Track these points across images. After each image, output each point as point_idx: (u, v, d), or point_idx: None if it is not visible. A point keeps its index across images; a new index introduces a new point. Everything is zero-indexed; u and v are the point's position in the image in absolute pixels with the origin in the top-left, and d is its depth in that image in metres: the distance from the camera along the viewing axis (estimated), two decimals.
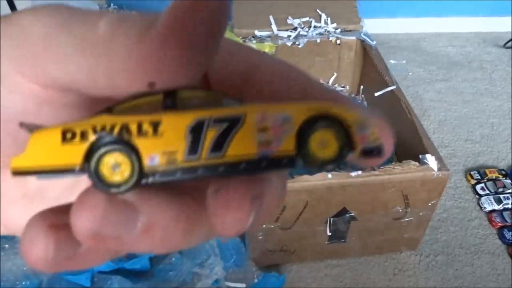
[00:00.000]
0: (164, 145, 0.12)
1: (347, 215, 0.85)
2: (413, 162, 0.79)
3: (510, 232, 1.02)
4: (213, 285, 0.85)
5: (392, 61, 1.59)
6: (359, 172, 0.78)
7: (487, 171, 1.17)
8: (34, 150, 0.13)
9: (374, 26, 1.62)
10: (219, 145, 0.12)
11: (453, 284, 0.94)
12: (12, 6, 1.55)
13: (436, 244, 1.01)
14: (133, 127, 0.12)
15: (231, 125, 0.12)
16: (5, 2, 1.53)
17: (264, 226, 0.83)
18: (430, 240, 1.01)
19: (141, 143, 0.12)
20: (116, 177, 0.12)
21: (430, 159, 0.79)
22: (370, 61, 1.15)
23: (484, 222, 1.06)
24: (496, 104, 1.45)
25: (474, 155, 1.25)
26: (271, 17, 1.22)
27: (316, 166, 0.13)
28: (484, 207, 1.08)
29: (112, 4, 1.61)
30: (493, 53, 1.73)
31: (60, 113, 0.14)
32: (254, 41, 1.17)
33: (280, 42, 1.18)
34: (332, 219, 0.85)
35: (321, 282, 0.93)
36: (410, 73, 1.60)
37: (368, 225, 0.88)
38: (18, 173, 0.13)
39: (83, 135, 0.12)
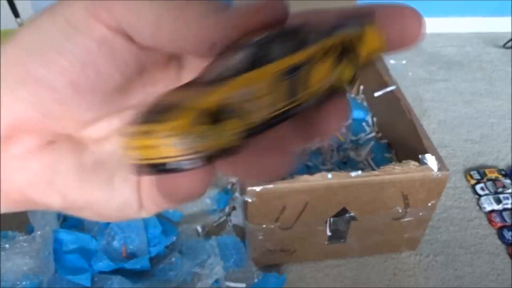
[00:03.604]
0: (264, 101, 0.15)
1: (347, 215, 0.85)
2: (413, 162, 0.79)
3: (510, 232, 1.02)
4: (213, 285, 0.85)
5: (392, 61, 1.59)
6: (359, 172, 0.78)
7: (486, 171, 1.17)
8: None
9: None
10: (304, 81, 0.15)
11: (453, 284, 0.94)
12: (12, 6, 1.55)
13: (436, 244, 1.01)
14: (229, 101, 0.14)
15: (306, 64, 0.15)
16: (5, 2, 1.53)
17: (264, 226, 0.83)
18: (430, 240, 1.01)
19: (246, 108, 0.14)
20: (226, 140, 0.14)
21: (430, 159, 0.79)
22: None
23: (484, 222, 1.06)
24: (496, 104, 1.45)
25: (474, 155, 1.25)
26: None
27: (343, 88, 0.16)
28: (484, 207, 1.08)
29: None
30: (493, 53, 1.73)
31: (114, 62, 0.15)
32: None
33: None
34: (332, 219, 0.85)
35: (321, 282, 0.93)
36: (410, 73, 1.60)
37: (368, 225, 0.88)
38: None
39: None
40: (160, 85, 0.18)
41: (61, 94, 0.15)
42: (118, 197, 0.18)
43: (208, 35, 0.14)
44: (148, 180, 0.18)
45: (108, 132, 0.17)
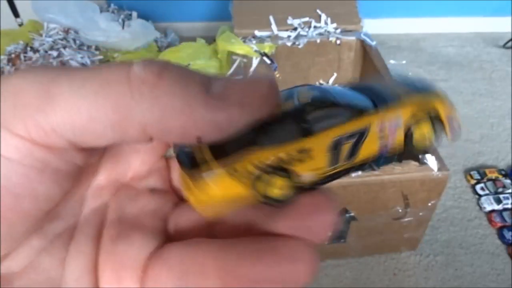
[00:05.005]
0: (313, 164, 0.15)
1: (347, 215, 0.85)
2: (413, 162, 0.79)
3: (510, 232, 1.02)
4: None
5: (392, 61, 1.59)
6: (359, 172, 0.78)
7: (487, 171, 1.17)
8: (209, 188, 0.15)
9: (374, 26, 1.62)
10: (352, 153, 0.16)
11: (453, 284, 0.94)
12: (12, 6, 1.55)
13: (436, 244, 1.01)
14: (285, 157, 0.15)
15: (360, 137, 0.15)
16: (5, 2, 1.53)
17: None
18: (430, 240, 1.01)
19: (296, 167, 0.15)
20: (278, 193, 0.15)
21: (430, 159, 0.79)
22: (370, 61, 1.15)
23: (484, 222, 1.06)
24: (496, 104, 1.45)
25: (474, 155, 1.25)
26: (271, 17, 1.22)
27: (418, 154, 0.16)
28: (484, 207, 1.08)
29: (112, 4, 1.61)
30: (493, 53, 1.73)
31: (51, 179, 0.14)
32: (254, 41, 1.17)
33: (280, 42, 1.18)
34: None
35: (321, 282, 0.93)
36: (410, 73, 1.60)
37: (368, 225, 0.88)
38: (202, 207, 0.15)
39: (250, 173, 0.15)
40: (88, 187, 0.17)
41: None
42: None
43: (193, 129, 0.13)
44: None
45: (31, 258, 0.15)
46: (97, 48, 1.40)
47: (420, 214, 0.87)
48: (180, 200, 0.18)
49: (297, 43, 1.19)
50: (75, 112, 0.13)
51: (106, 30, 1.39)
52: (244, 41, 1.17)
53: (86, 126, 0.13)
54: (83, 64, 1.31)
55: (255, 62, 1.15)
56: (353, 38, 1.21)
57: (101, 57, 1.37)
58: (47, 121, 0.13)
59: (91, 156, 0.15)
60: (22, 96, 0.13)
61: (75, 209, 0.16)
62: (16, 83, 0.13)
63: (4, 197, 0.13)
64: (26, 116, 0.12)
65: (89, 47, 1.39)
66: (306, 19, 1.24)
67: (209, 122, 0.13)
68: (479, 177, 1.16)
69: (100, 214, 0.16)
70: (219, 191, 0.15)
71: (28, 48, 1.33)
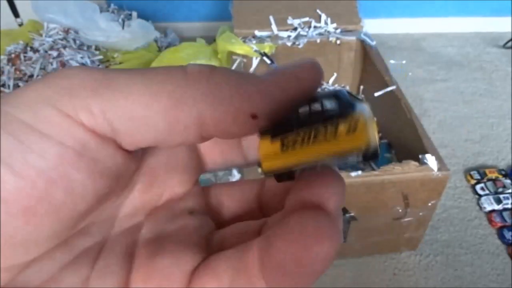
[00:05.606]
0: None
1: (347, 215, 0.85)
2: (413, 162, 0.79)
3: (510, 232, 1.02)
4: None
5: (392, 61, 1.59)
6: (359, 172, 0.78)
7: (487, 171, 1.17)
8: (280, 155, 0.14)
9: (374, 26, 1.62)
10: None
11: (453, 284, 0.94)
12: (12, 6, 1.55)
13: (436, 244, 1.01)
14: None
15: None
16: (5, 2, 1.53)
17: None
18: (430, 240, 1.01)
19: None
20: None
21: (430, 159, 0.79)
22: (370, 61, 1.15)
23: (484, 222, 1.06)
24: (496, 104, 1.45)
25: (474, 155, 1.25)
26: (271, 17, 1.22)
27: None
28: (484, 207, 1.08)
29: (112, 4, 1.61)
30: (493, 53, 1.73)
31: (94, 176, 0.13)
32: (254, 41, 1.17)
33: (280, 42, 1.18)
34: None
35: (321, 282, 0.93)
36: (410, 73, 1.60)
37: (368, 225, 0.88)
38: (269, 172, 0.15)
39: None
40: (121, 203, 0.16)
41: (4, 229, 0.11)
42: None
43: (248, 105, 0.13)
44: None
45: (52, 272, 0.13)
46: (97, 48, 1.40)
47: (420, 214, 0.87)
48: (219, 224, 0.17)
49: (297, 43, 1.19)
50: (129, 97, 0.12)
51: (106, 30, 1.39)
52: (244, 41, 1.17)
53: (138, 113, 0.12)
54: (83, 64, 1.31)
55: (255, 62, 1.15)
56: (353, 38, 1.21)
57: (101, 57, 1.37)
58: (99, 103, 0.12)
59: (130, 162, 0.14)
60: (77, 79, 0.12)
61: (105, 226, 0.15)
62: (72, 71, 0.13)
63: (35, 182, 0.12)
64: (77, 95, 0.12)
65: (89, 47, 1.39)
66: (306, 19, 1.24)
67: (264, 94, 0.13)
68: (479, 177, 1.16)
69: (132, 234, 0.15)
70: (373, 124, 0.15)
71: (28, 48, 1.33)
